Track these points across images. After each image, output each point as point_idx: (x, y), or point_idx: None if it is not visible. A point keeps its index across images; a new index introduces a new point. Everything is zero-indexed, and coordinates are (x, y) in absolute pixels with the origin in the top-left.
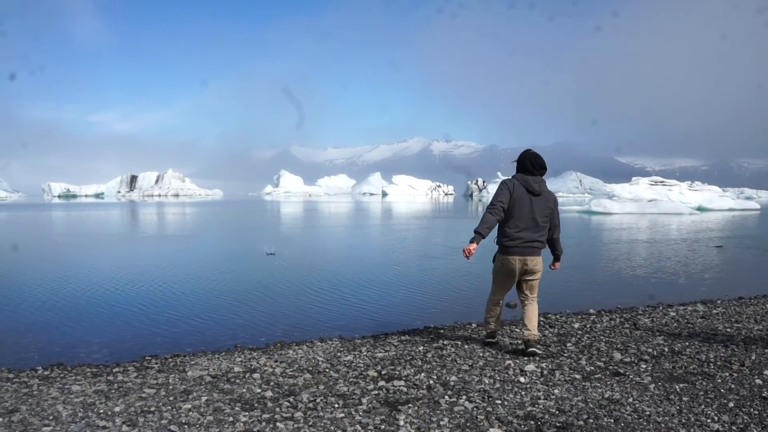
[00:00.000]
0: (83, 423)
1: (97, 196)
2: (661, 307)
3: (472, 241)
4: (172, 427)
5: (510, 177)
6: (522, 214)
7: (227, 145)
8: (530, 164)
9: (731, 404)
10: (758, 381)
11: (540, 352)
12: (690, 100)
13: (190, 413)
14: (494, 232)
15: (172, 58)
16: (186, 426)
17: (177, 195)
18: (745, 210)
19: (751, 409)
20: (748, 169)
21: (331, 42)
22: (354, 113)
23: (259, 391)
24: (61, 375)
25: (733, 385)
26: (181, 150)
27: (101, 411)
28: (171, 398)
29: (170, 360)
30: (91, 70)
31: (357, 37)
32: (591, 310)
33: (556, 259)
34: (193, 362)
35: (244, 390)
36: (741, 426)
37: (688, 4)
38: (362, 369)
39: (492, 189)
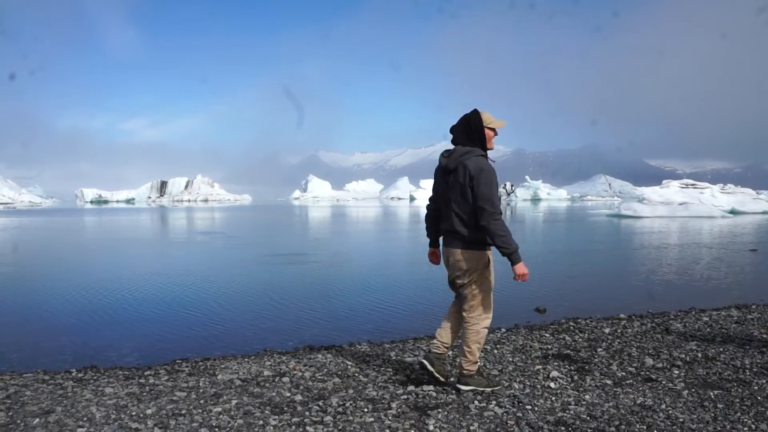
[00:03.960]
0: (116, 425)
1: (128, 201)
2: (693, 312)
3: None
4: (202, 430)
5: None
6: (438, 198)
7: (255, 150)
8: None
9: None
10: None
11: (467, 389)
12: (721, 101)
13: (221, 416)
14: None
15: (201, 67)
16: (217, 429)
17: (206, 200)
18: None
19: None
20: None
21: (357, 49)
22: (381, 118)
23: (288, 395)
24: (95, 377)
25: None
26: (209, 156)
27: (133, 413)
28: (202, 401)
29: (201, 363)
30: (121, 79)
31: (383, 42)
32: (621, 315)
33: (508, 259)
34: (223, 366)
35: (274, 394)
36: None
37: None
38: (391, 373)
39: (520, 193)
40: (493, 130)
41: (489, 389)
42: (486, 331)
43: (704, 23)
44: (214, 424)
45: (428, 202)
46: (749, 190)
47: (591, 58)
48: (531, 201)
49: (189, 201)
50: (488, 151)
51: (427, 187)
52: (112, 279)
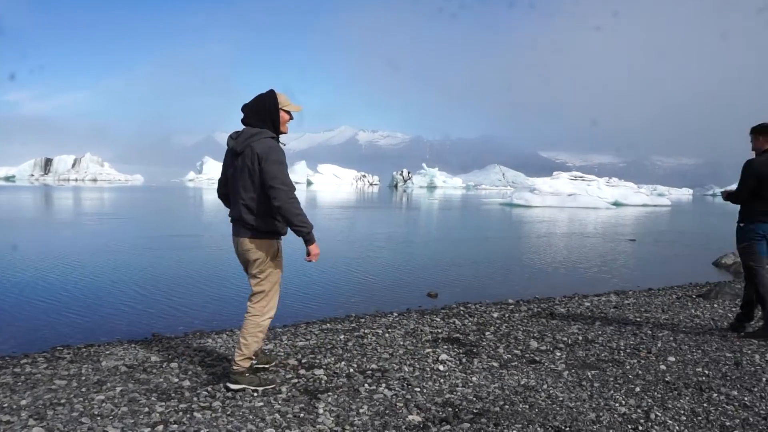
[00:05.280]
0: None
1: (8, 179)
2: (576, 298)
3: None
4: (83, 420)
5: None
6: (228, 182)
7: (149, 129)
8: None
9: (638, 389)
10: (663, 367)
11: (237, 387)
12: (611, 99)
13: (104, 404)
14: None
15: (93, 40)
16: (99, 418)
17: (95, 180)
18: (657, 206)
19: (655, 393)
20: (661, 167)
21: (256, 28)
22: None
23: (176, 380)
24: None
25: (640, 371)
26: (99, 133)
27: (5, 405)
28: (83, 389)
29: (83, 350)
30: (2, 48)
31: (283, 21)
32: (510, 300)
33: (303, 239)
34: (108, 352)
35: (161, 380)
36: (645, 409)
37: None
38: (282, 358)
39: (416, 180)
40: (288, 113)
41: (261, 388)
42: (267, 324)
43: (588, 18)
44: (96, 413)
45: (218, 188)
46: (631, 183)
47: (486, 51)
48: (427, 188)
49: (76, 180)
50: (281, 135)
51: (324, 171)
52: None
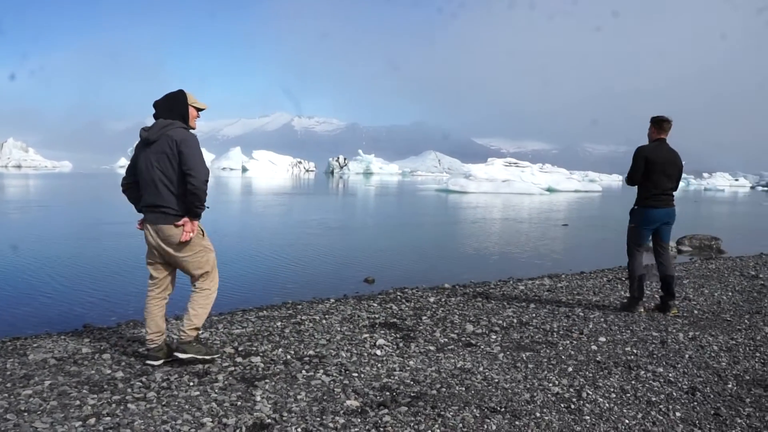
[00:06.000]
0: None
1: None
2: (511, 282)
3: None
4: (8, 416)
5: None
6: (141, 173)
7: (78, 114)
8: None
9: (570, 369)
10: (594, 347)
11: (185, 357)
12: (541, 85)
13: (31, 399)
14: None
15: (15, 21)
16: (26, 413)
17: (19, 166)
18: (588, 192)
19: (587, 373)
20: (592, 154)
21: (187, 11)
22: (213, 86)
23: (109, 372)
24: None
25: (572, 352)
26: (23, 118)
27: None
28: (8, 384)
29: (9, 343)
30: None
31: (214, 3)
32: (446, 285)
33: (192, 216)
34: (35, 345)
35: (93, 371)
36: (577, 388)
37: None
38: (219, 346)
39: (353, 166)
40: (197, 109)
41: (208, 357)
42: (214, 297)
43: (523, 12)
44: (22, 409)
45: (125, 178)
46: (563, 170)
47: (421, 37)
48: (363, 174)
49: None
50: (190, 130)
51: (260, 157)
52: None
